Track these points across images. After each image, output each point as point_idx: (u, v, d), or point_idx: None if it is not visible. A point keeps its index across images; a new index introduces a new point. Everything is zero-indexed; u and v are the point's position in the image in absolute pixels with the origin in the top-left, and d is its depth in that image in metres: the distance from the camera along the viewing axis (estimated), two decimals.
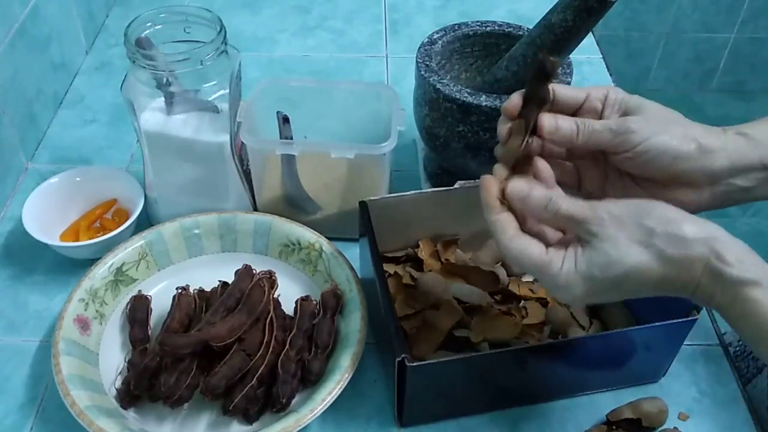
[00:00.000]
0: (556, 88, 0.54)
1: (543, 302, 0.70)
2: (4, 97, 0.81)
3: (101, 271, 0.70)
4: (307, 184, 0.77)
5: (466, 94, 0.70)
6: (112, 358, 0.66)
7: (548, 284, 0.50)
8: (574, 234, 0.50)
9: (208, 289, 0.70)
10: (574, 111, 0.55)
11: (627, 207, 0.48)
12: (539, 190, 0.50)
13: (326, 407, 0.60)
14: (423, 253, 0.72)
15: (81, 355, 0.64)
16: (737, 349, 0.76)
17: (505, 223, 0.51)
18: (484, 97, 0.69)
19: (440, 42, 0.78)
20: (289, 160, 0.74)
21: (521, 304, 0.70)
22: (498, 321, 0.67)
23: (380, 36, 1.11)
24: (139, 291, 0.71)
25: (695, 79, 2.37)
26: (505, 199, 0.52)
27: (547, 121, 0.53)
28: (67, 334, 0.64)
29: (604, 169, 0.57)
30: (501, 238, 0.51)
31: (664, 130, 0.52)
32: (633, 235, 0.47)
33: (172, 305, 0.68)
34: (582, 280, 0.48)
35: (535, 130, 0.53)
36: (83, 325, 0.66)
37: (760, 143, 0.53)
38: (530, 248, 0.50)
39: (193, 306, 0.68)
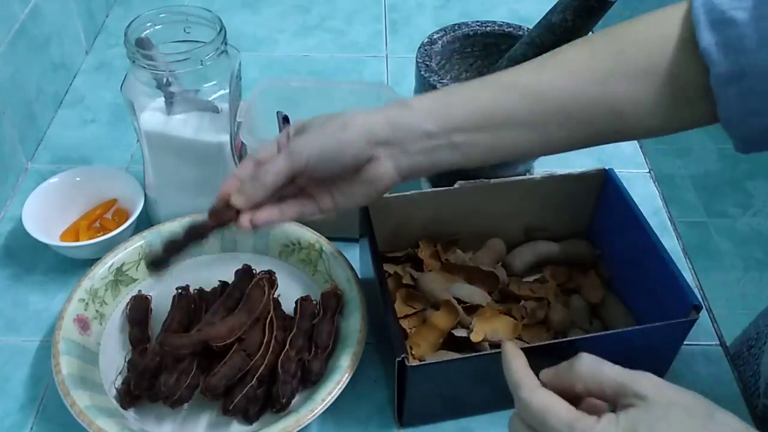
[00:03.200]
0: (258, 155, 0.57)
1: (543, 302, 0.70)
2: (4, 97, 0.81)
3: (101, 271, 0.70)
4: None
5: None
6: (112, 358, 0.66)
7: None
8: (608, 400, 0.44)
9: (208, 289, 0.70)
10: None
11: (692, 395, 0.43)
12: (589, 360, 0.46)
13: (326, 407, 0.60)
14: (423, 253, 0.72)
15: (81, 355, 0.64)
16: (737, 349, 0.76)
17: (525, 373, 0.46)
18: None
19: (440, 42, 0.77)
20: None
21: (521, 304, 0.70)
22: (498, 321, 0.67)
23: (380, 36, 1.11)
24: (139, 291, 0.71)
25: None
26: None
27: (237, 199, 0.56)
28: (67, 334, 0.64)
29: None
30: (521, 391, 0.45)
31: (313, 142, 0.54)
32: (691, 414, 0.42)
33: (172, 305, 0.68)
34: None
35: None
36: (83, 325, 0.66)
37: (417, 111, 0.54)
38: (557, 402, 0.43)
39: (193, 306, 0.68)
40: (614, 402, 0.43)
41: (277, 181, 0.54)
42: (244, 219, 0.56)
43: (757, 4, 0.47)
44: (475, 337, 0.65)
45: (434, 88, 0.71)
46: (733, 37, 0.48)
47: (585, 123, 0.54)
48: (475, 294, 0.68)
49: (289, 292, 0.71)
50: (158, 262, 0.58)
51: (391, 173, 0.55)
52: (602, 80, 0.53)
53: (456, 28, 0.79)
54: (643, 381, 0.43)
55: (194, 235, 0.57)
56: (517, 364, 0.47)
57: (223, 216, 0.56)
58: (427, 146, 0.54)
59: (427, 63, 0.74)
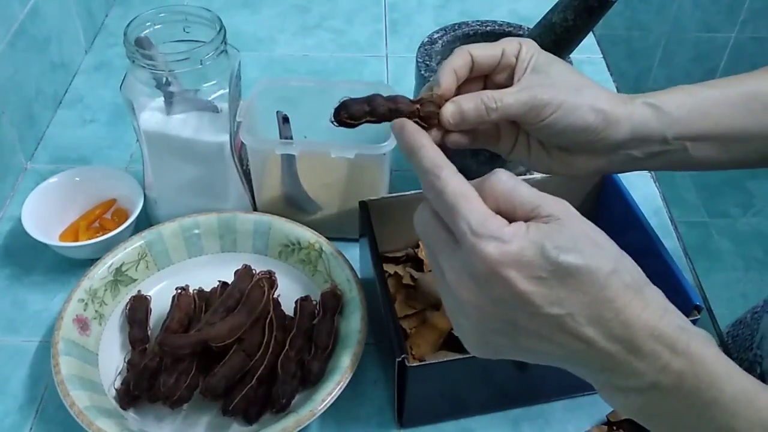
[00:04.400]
0: (473, 50, 0.51)
1: None
2: (4, 97, 0.81)
3: (101, 271, 0.69)
4: (307, 184, 0.77)
5: None
6: (112, 359, 0.66)
7: (486, 235, 0.39)
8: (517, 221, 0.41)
9: (207, 289, 0.70)
10: (493, 69, 0.52)
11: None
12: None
13: (326, 408, 0.59)
14: (423, 253, 0.72)
15: (80, 355, 0.64)
16: (737, 349, 0.76)
17: (441, 156, 0.43)
18: None
19: (440, 42, 0.77)
20: (289, 160, 0.74)
21: None
22: None
23: (380, 36, 1.10)
24: (139, 291, 0.71)
25: (696, 78, 2.34)
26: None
27: (449, 112, 0.49)
28: (66, 335, 0.64)
29: (514, 131, 0.55)
30: (441, 170, 0.42)
31: (573, 101, 0.50)
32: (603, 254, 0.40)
33: (171, 305, 0.68)
34: (529, 245, 0.38)
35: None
36: (83, 325, 0.66)
37: (666, 115, 0.52)
38: (474, 193, 0.41)
39: (192, 306, 0.68)
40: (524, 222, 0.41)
41: (502, 118, 0.50)
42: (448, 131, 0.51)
43: None
44: None
45: None
46: None
47: None
48: None
49: (288, 292, 0.71)
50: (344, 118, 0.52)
51: (600, 167, 0.54)
52: None
53: (456, 27, 0.79)
54: (558, 205, 0.41)
55: (384, 112, 0.50)
56: (429, 143, 0.44)
57: (426, 108, 0.50)
58: (654, 151, 0.53)
59: (428, 63, 0.74)
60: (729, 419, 0.38)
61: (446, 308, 0.44)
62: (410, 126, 0.46)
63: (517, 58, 0.52)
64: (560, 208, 0.41)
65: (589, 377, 0.42)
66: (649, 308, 0.39)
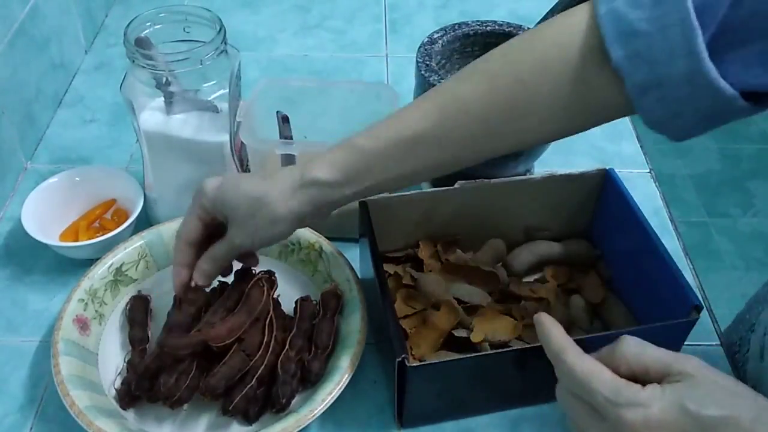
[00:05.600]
0: (184, 237, 0.63)
1: (543, 302, 0.70)
2: (4, 97, 0.81)
3: (101, 271, 0.69)
4: None
5: None
6: (112, 359, 0.66)
7: (625, 404, 0.42)
8: (652, 382, 0.43)
9: (207, 289, 0.70)
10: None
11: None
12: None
13: (326, 407, 0.59)
14: (423, 253, 0.72)
15: (80, 355, 0.64)
16: (737, 349, 0.76)
17: (568, 340, 0.47)
18: None
19: (440, 42, 0.77)
20: (289, 160, 0.74)
21: (521, 304, 0.69)
22: (498, 321, 0.67)
23: (380, 36, 1.10)
24: (139, 291, 0.71)
25: None
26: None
27: (200, 279, 0.64)
28: (66, 335, 0.64)
29: None
30: (566, 355, 0.45)
31: (251, 225, 0.59)
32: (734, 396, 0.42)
33: (173, 305, 0.68)
34: (669, 406, 0.41)
35: None
36: (83, 325, 0.66)
37: (332, 191, 0.57)
38: (602, 367, 0.44)
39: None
40: (658, 383, 0.43)
41: (225, 263, 0.64)
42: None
43: (658, 15, 0.46)
44: (475, 337, 0.65)
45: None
46: (643, 49, 0.47)
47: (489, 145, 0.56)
48: (475, 294, 0.68)
49: (289, 292, 0.71)
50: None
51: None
52: (505, 116, 0.53)
53: (456, 27, 0.79)
54: (688, 361, 0.43)
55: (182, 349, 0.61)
56: (557, 331, 0.47)
57: (197, 299, 0.65)
58: (342, 200, 0.58)
59: (428, 63, 0.74)
60: None
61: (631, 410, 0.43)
62: (542, 316, 0.49)
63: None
64: (692, 364, 0.43)
65: None
66: None
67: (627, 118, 0.97)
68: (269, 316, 0.65)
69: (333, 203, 0.58)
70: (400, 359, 0.56)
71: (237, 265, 0.69)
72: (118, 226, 0.73)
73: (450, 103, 0.54)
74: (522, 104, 0.52)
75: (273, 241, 0.60)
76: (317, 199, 0.57)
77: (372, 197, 0.68)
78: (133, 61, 0.67)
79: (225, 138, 0.72)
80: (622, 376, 0.44)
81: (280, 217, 0.57)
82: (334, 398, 0.60)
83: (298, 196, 0.57)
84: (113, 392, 0.63)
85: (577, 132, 0.56)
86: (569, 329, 0.67)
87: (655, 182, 0.88)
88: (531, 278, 0.74)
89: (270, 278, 0.69)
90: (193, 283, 0.63)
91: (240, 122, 0.71)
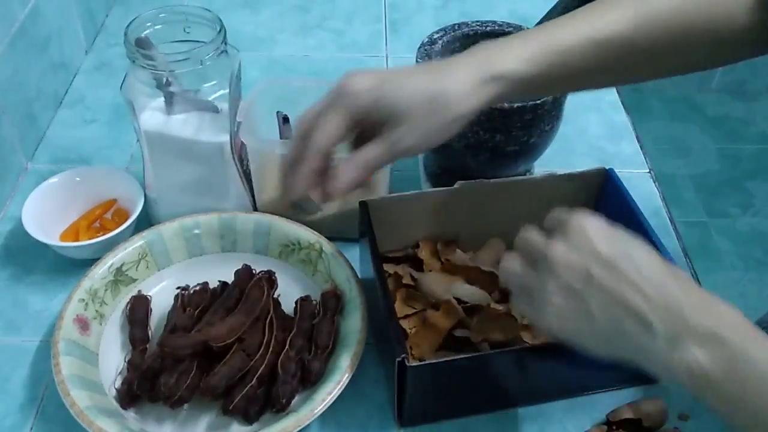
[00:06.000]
0: (321, 143, 0.55)
1: None
2: (4, 97, 0.81)
3: (101, 271, 0.70)
4: None
5: None
6: (112, 359, 0.66)
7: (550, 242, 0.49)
8: None
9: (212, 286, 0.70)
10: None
11: None
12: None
13: (326, 407, 0.60)
14: (423, 253, 0.72)
15: (81, 355, 0.64)
16: None
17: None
18: None
19: (440, 42, 0.77)
20: None
21: None
22: (498, 321, 0.67)
23: (380, 36, 1.11)
24: (139, 291, 0.71)
25: (695, 79, 2.37)
26: None
27: (334, 190, 0.55)
28: (67, 335, 0.64)
29: None
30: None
31: (426, 125, 0.54)
32: None
33: (173, 305, 0.68)
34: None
35: None
36: (83, 325, 0.66)
37: (518, 81, 0.55)
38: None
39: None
40: None
41: (376, 169, 0.55)
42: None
43: None
44: (475, 337, 0.65)
45: None
46: None
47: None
48: (475, 294, 0.68)
49: (289, 292, 0.71)
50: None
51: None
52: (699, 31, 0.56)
53: (456, 27, 0.79)
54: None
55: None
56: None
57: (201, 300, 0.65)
58: (523, 97, 0.58)
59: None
60: None
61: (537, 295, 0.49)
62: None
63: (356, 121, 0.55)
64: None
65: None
66: None
67: (627, 118, 0.97)
68: (269, 316, 0.65)
69: (513, 96, 0.56)
70: (400, 359, 0.56)
71: (238, 265, 0.70)
72: (118, 226, 0.73)
73: (647, 12, 0.55)
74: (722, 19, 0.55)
75: (440, 142, 0.55)
76: (502, 95, 0.54)
77: (372, 197, 0.68)
78: (134, 62, 0.67)
79: (225, 138, 0.72)
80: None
81: (460, 115, 0.54)
82: (334, 398, 0.60)
83: (482, 91, 0.53)
84: (114, 392, 0.63)
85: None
86: None
87: (654, 182, 0.88)
88: None
89: (270, 278, 0.69)
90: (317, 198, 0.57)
91: (240, 122, 0.71)
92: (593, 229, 0.48)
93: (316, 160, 0.55)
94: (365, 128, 0.55)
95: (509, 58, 0.54)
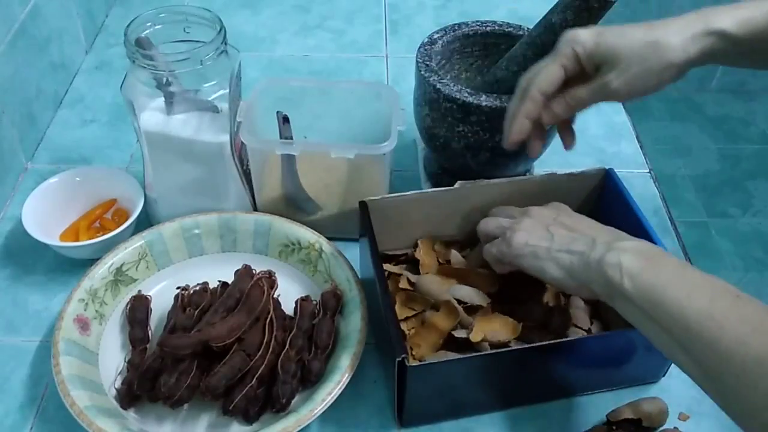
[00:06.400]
0: (542, 84, 0.61)
1: (543, 303, 0.70)
2: (4, 97, 0.81)
3: (101, 271, 0.70)
4: (307, 184, 0.77)
5: (466, 94, 0.70)
6: (112, 359, 0.66)
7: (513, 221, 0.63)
8: None
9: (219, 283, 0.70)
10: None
11: None
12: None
13: (326, 407, 0.60)
14: (422, 253, 0.72)
15: (81, 355, 0.64)
16: None
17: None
18: (484, 97, 0.69)
19: (440, 42, 0.77)
20: (289, 160, 0.74)
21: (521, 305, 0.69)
22: (498, 321, 0.67)
23: (380, 36, 1.11)
24: (139, 291, 0.71)
25: (695, 79, 2.37)
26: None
27: (548, 118, 0.63)
28: (66, 335, 0.64)
29: None
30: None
31: (638, 70, 0.58)
32: None
33: (173, 305, 0.68)
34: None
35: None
36: (83, 325, 0.66)
37: (730, 39, 0.58)
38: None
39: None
40: None
41: (583, 107, 0.63)
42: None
43: None
44: (475, 338, 0.65)
45: (434, 88, 0.71)
46: None
47: None
48: (474, 295, 0.68)
49: (289, 292, 0.71)
50: None
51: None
52: None
53: (456, 28, 0.79)
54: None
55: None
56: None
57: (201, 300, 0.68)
58: (729, 58, 0.60)
59: (427, 63, 0.74)
60: None
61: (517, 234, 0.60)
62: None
63: (581, 64, 0.60)
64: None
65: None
66: None
67: (627, 119, 0.97)
68: (269, 316, 0.65)
69: (720, 59, 0.59)
70: (399, 359, 0.56)
71: (238, 265, 0.69)
72: (118, 226, 0.73)
73: None
74: None
75: (650, 91, 0.60)
76: (714, 50, 0.58)
77: (372, 197, 0.68)
78: (134, 62, 0.67)
79: (225, 138, 0.72)
80: None
81: (674, 62, 0.58)
82: (334, 398, 0.60)
83: (696, 44, 0.58)
84: (114, 392, 0.63)
85: None
86: (569, 329, 0.68)
87: (654, 182, 0.88)
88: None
89: (270, 278, 0.69)
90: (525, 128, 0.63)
91: (240, 122, 0.71)
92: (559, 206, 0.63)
93: (534, 104, 0.61)
94: (578, 78, 0.61)
95: (725, 17, 0.58)
